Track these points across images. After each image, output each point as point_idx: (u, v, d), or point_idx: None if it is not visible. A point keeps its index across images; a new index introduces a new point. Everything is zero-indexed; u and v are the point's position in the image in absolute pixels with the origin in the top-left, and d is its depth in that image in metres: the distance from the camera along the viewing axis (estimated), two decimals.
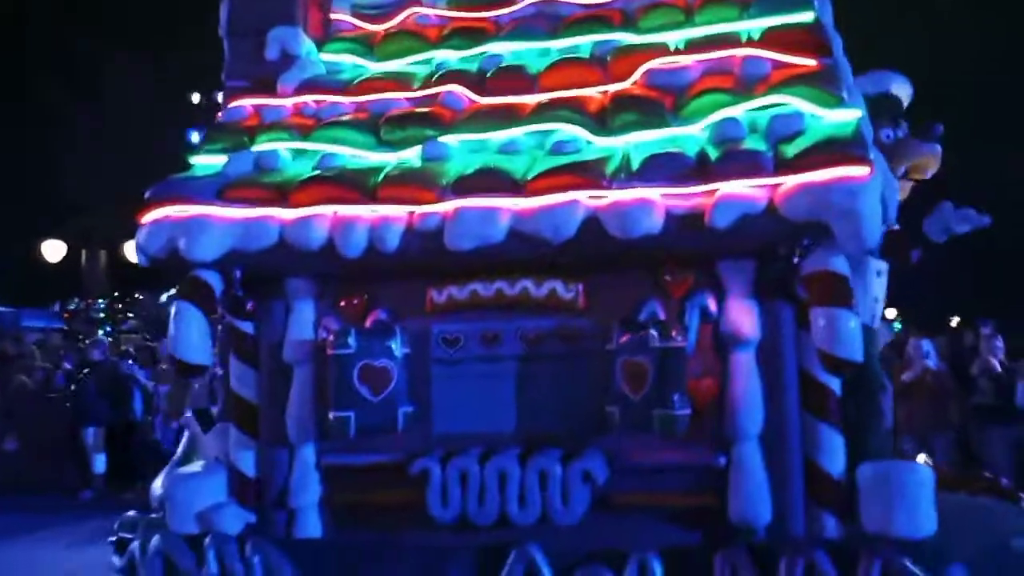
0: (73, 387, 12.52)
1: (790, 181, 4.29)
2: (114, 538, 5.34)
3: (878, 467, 4.52)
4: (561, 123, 4.98)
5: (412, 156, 5.13)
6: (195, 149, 5.60)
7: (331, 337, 4.88)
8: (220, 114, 5.69)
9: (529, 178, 4.73)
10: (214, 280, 5.00)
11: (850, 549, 4.31)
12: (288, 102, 5.57)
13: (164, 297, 19.04)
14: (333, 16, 6.27)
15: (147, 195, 5.05)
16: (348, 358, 4.81)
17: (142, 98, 19.66)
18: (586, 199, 4.57)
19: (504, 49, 5.64)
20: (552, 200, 4.59)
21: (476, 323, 5.03)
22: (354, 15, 6.32)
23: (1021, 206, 16.70)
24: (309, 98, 5.55)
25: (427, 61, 5.79)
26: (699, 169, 4.50)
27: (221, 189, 5.04)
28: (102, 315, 20.40)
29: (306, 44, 5.77)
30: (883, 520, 4.33)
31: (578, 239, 4.55)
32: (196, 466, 5.25)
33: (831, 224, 4.19)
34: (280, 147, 5.27)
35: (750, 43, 5.05)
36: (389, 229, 4.77)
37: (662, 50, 5.20)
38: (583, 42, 5.57)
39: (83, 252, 22.00)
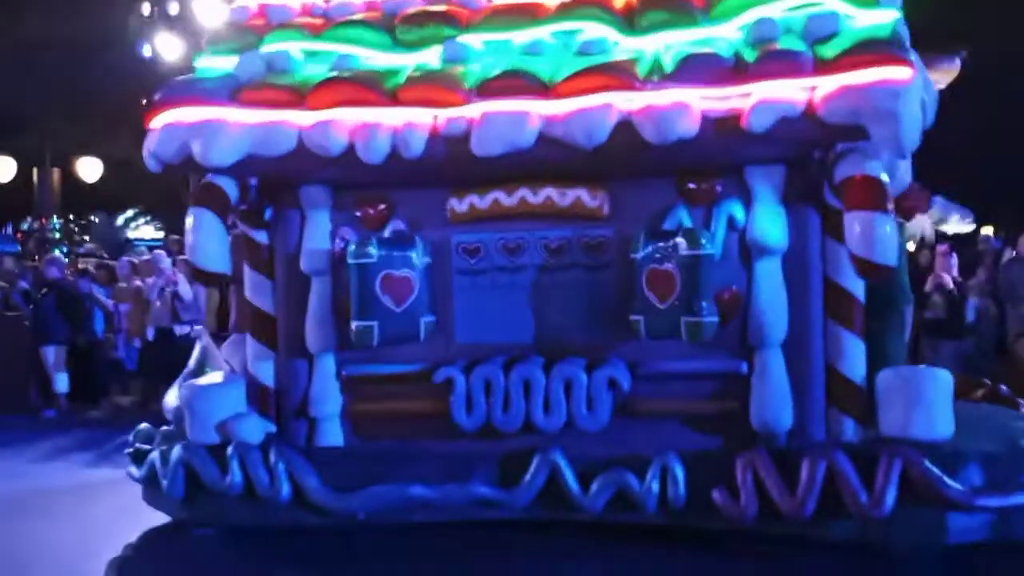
0: (31, 306, 12.17)
1: (830, 83, 4.20)
2: (130, 449, 5.24)
3: (898, 372, 4.59)
4: (587, 22, 4.80)
5: (431, 58, 4.94)
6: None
7: (351, 247, 4.77)
8: (227, 14, 5.41)
9: (558, 80, 4.58)
10: (229, 186, 4.82)
11: (870, 451, 4.38)
12: (295, 1, 5.32)
13: (120, 220, 18.48)
14: None
15: (156, 97, 4.79)
16: (370, 268, 4.71)
17: (89, 7, 18.71)
18: (619, 102, 4.42)
19: None
20: (584, 103, 4.44)
21: (498, 233, 4.96)
22: None
23: None
24: None
25: None
26: (736, 71, 4.38)
27: (234, 91, 4.81)
28: (57, 236, 19.72)
29: None
30: (902, 423, 4.40)
31: (610, 144, 4.41)
32: (215, 377, 5.13)
33: (869, 127, 4.12)
34: (291, 48, 5.04)
35: None
36: (413, 134, 4.60)
37: None
38: None
39: (35, 170, 21.11)
